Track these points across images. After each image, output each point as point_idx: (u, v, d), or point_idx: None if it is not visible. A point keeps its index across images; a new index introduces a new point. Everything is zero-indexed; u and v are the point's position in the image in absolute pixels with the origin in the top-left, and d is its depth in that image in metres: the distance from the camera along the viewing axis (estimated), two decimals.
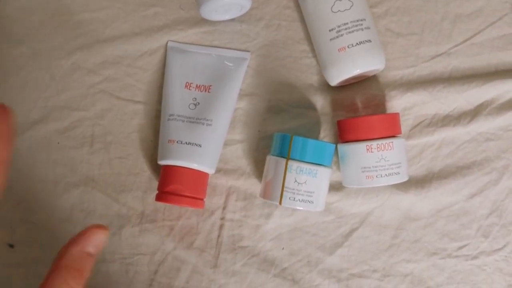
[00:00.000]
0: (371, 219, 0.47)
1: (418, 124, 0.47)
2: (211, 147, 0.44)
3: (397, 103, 0.47)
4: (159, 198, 0.44)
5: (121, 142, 0.48)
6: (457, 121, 0.47)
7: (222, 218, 0.47)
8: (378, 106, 0.47)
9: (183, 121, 0.45)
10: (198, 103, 0.45)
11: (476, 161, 0.47)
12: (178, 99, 0.46)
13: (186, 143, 0.44)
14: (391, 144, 0.42)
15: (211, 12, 0.46)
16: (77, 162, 0.48)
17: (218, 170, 0.47)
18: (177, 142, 0.44)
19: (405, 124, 0.47)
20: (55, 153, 0.48)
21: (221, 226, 0.47)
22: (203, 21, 0.48)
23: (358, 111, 0.47)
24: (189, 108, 0.45)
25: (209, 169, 0.45)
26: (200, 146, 0.44)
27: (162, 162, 0.45)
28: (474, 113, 0.47)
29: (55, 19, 0.49)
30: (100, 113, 0.48)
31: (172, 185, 0.43)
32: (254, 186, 0.47)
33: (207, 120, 0.45)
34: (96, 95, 0.48)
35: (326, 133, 0.47)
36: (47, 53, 0.48)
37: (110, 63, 0.48)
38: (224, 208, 0.47)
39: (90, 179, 0.47)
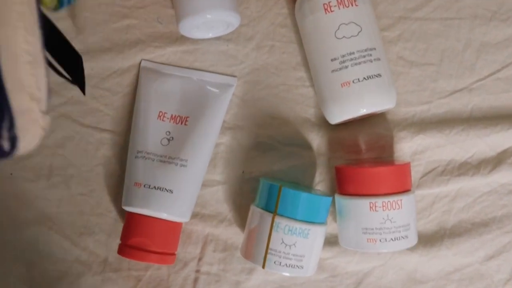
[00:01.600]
0: (370, 280, 0.41)
1: (430, 171, 0.41)
2: (184, 193, 0.38)
3: (407, 145, 0.41)
4: (121, 251, 0.38)
5: (83, 176, 0.42)
6: (476, 169, 0.41)
7: (197, 271, 0.41)
8: (384, 149, 0.41)
9: (153, 160, 0.38)
10: (172, 138, 0.39)
11: (495, 217, 0.41)
12: (149, 132, 0.39)
13: (155, 187, 0.37)
14: (399, 202, 0.35)
15: (191, 29, 0.39)
16: (32, 197, 0.42)
17: (195, 215, 0.41)
18: (144, 186, 0.37)
19: (415, 170, 0.41)
20: (7, 185, 0.42)
21: (196, 280, 0.41)
22: (184, 38, 0.41)
23: (360, 153, 0.40)
24: (161, 143, 0.38)
25: (181, 218, 0.38)
26: (172, 192, 0.37)
27: (127, 209, 0.38)
28: (496, 161, 0.41)
29: None
30: (61, 141, 0.42)
31: (136, 237, 0.37)
32: (235, 235, 0.41)
33: (182, 160, 0.38)
34: (57, 119, 0.42)
35: (322, 177, 0.41)
36: None
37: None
38: (199, 259, 0.41)
39: (46, 217, 0.42)
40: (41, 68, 0.25)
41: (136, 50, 0.41)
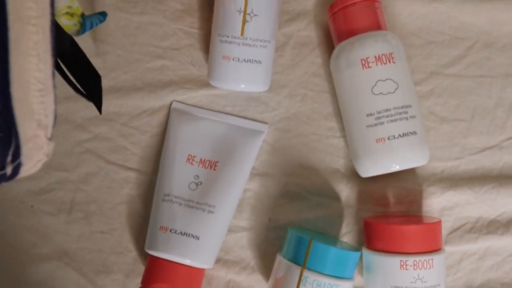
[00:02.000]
0: None
1: (458, 228, 0.40)
2: (211, 239, 0.37)
3: (436, 201, 0.40)
4: None
5: (105, 214, 0.41)
6: (506, 228, 0.40)
7: None
8: (412, 203, 0.40)
9: (180, 204, 0.37)
10: (201, 183, 0.38)
11: None
12: (177, 176, 0.38)
13: (181, 233, 0.37)
14: (430, 261, 0.34)
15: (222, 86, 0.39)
16: (52, 231, 0.41)
17: (218, 260, 0.40)
18: (170, 230, 0.37)
19: (444, 226, 0.40)
20: (26, 218, 0.41)
21: None
22: None
23: (389, 206, 0.40)
24: (189, 188, 0.38)
25: (205, 265, 0.38)
26: (198, 239, 0.37)
27: (150, 252, 0.37)
28: None
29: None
30: (85, 177, 0.41)
31: (158, 283, 0.36)
32: (258, 284, 0.40)
33: (209, 206, 0.37)
34: (82, 155, 0.41)
35: (349, 228, 0.40)
36: None
37: (103, 119, 0.41)
38: None
39: (64, 253, 0.41)
40: (50, 95, 0.25)
41: (168, 90, 0.41)
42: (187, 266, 0.37)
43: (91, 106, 0.41)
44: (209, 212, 0.37)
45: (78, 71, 0.34)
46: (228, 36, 0.36)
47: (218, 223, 0.38)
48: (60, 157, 0.41)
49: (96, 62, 0.41)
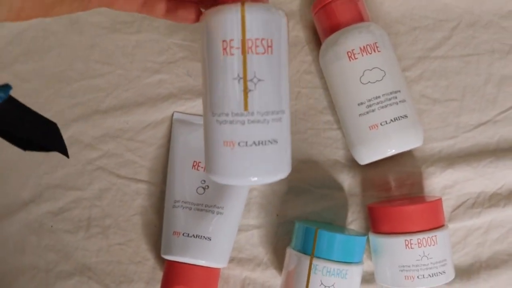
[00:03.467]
0: None
1: (461, 205, 0.41)
2: (222, 239, 0.39)
3: (436, 181, 0.41)
4: None
5: (121, 227, 0.43)
6: (508, 200, 0.41)
7: None
8: (413, 185, 0.41)
9: (190, 208, 0.39)
10: (207, 187, 0.40)
11: None
12: (184, 182, 0.40)
13: (194, 236, 0.38)
14: (434, 238, 0.36)
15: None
16: (72, 248, 0.43)
17: (231, 260, 0.41)
18: (183, 234, 0.38)
19: (446, 204, 0.41)
20: (47, 238, 0.43)
21: None
22: None
23: (391, 190, 0.41)
24: (197, 192, 0.40)
25: (220, 264, 0.39)
26: (210, 240, 0.38)
27: (166, 257, 0.39)
28: None
29: (50, 86, 0.44)
30: (98, 193, 0.43)
31: (175, 285, 0.37)
32: (273, 278, 0.41)
33: (218, 207, 0.39)
34: (94, 172, 0.43)
35: (354, 216, 0.41)
36: None
37: (110, 136, 0.43)
38: None
39: (86, 267, 0.43)
40: None
41: (168, 103, 0.43)
42: (202, 267, 0.38)
43: (98, 125, 0.43)
44: (218, 213, 0.39)
45: (29, 128, 0.29)
46: (227, 115, 0.28)
47: (227, 223, 0.39)
48: (73, 177, 0.43)
49: (99, 83, 0.44)
